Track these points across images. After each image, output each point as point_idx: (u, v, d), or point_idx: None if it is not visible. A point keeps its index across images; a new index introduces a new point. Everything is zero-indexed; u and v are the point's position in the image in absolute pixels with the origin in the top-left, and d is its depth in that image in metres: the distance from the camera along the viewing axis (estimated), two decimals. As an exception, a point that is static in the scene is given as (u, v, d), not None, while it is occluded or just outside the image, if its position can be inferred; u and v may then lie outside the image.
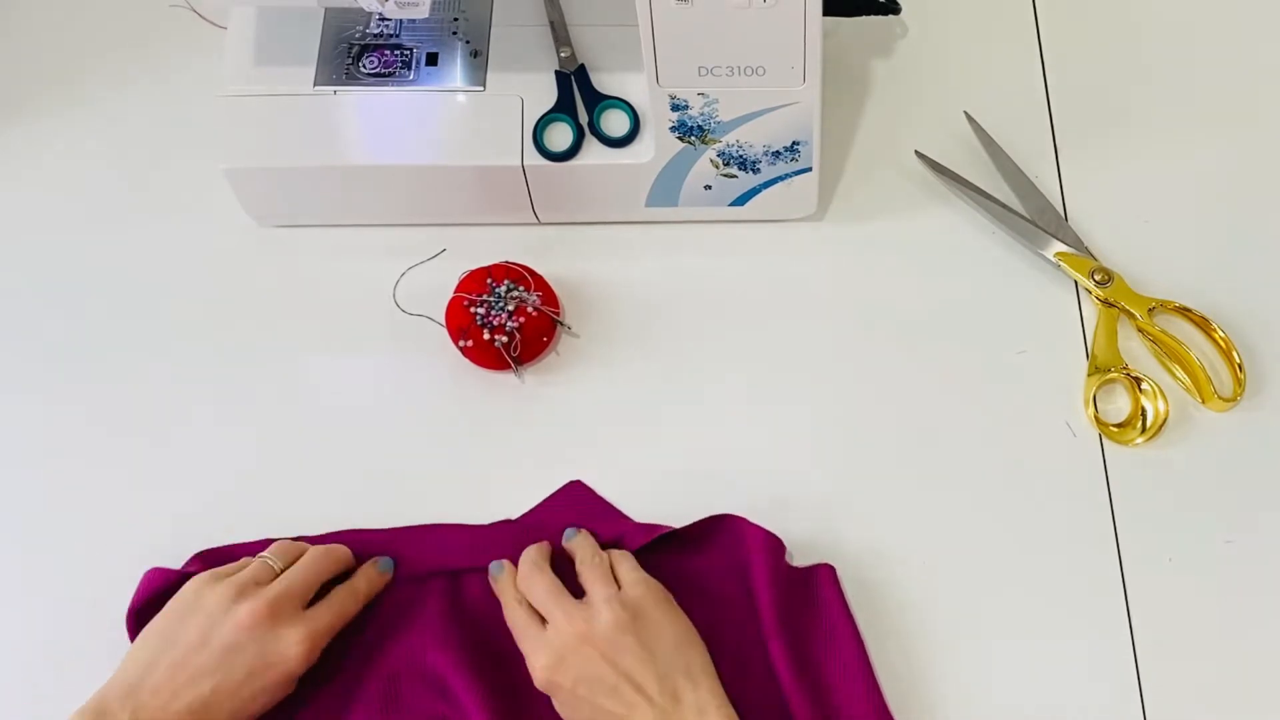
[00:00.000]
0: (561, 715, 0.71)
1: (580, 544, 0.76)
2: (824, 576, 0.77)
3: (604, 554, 0.75)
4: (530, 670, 0.71)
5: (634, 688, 0.68)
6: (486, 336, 0.81)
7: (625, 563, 0.74)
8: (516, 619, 0.73)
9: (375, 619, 0.76)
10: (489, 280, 0.82)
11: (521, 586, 0.74)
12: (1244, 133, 0.90)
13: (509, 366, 0.83)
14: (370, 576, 0.76)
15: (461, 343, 0.82)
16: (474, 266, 0.83)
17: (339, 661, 0.74)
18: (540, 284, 0.83)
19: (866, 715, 0.73)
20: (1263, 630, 0.76)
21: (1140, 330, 0.84)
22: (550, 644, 0.71)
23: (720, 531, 0.78)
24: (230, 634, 0.70)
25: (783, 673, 0.73)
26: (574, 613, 0.71)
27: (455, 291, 0.83)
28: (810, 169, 0.84)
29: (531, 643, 0.71)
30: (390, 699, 0.74)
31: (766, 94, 0.79)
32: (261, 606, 0.70)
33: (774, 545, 0.76)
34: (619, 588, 0.72)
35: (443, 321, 0.84)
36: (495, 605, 0.75)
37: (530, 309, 0.82)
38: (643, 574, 0.73)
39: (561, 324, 0.85)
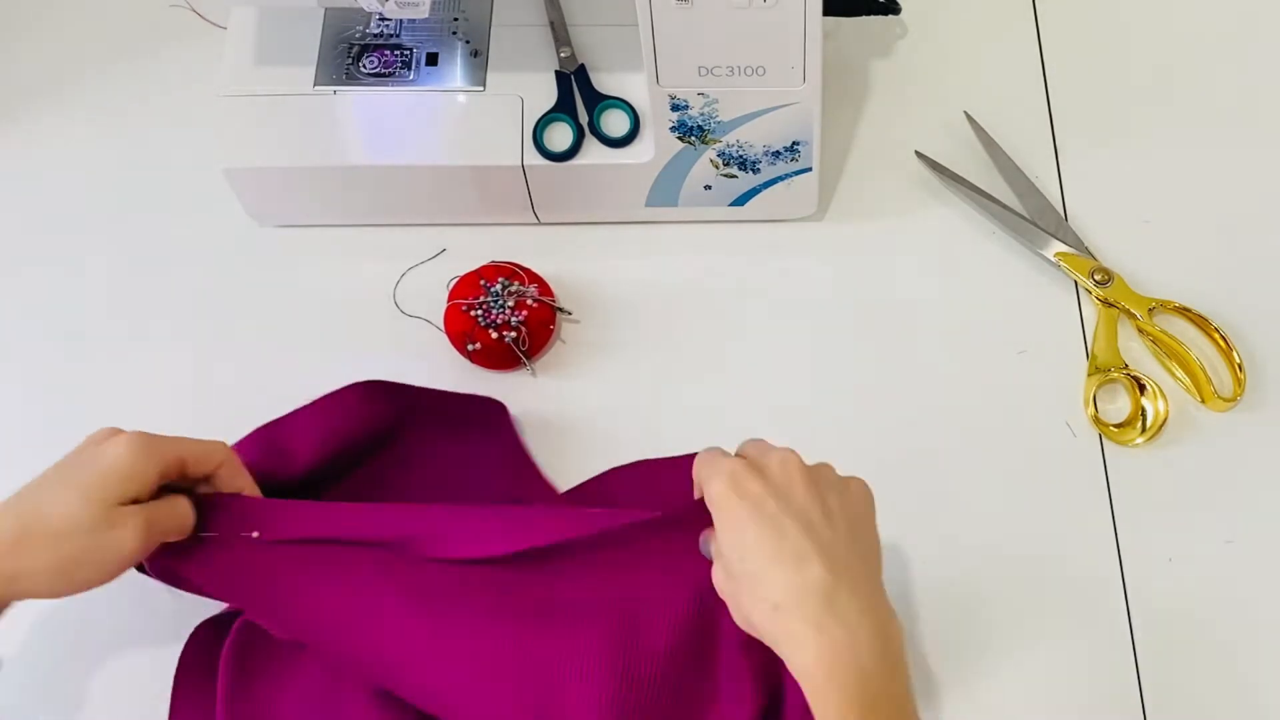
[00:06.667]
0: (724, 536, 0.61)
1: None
2: None
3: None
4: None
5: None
6: (495, 336, 0.81)
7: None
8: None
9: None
10: (482, 282, 0.82)
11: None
12: (1244, 133, 0.90)
13: (517, 364, 0.83)
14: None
15: (469, 347, 0.82)
16: (461, 273, 0.83)
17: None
18: (532, 276, 0.84)
19: None
20: (1263, 630, 0.76)
21: (1140, 330, 0.84)
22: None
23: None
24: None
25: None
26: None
27: (449, 300, 0.83)
28: (810, 169, 0.84)
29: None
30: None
31: (766, 94, 0.79)
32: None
33: None
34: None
35: (441, 326, 0.84)
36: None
37: (530, 301, 0.82)
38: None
39: (561, 310, 0.85)
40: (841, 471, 0.64)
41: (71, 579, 0.63)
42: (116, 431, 0.67)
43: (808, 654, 0.57)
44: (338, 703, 0.72)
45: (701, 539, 0.65)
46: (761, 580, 0.59)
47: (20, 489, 0.65)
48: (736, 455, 0.64)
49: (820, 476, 0.62)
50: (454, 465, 0.79)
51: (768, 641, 0.59)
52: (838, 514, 0.60)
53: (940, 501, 0.80)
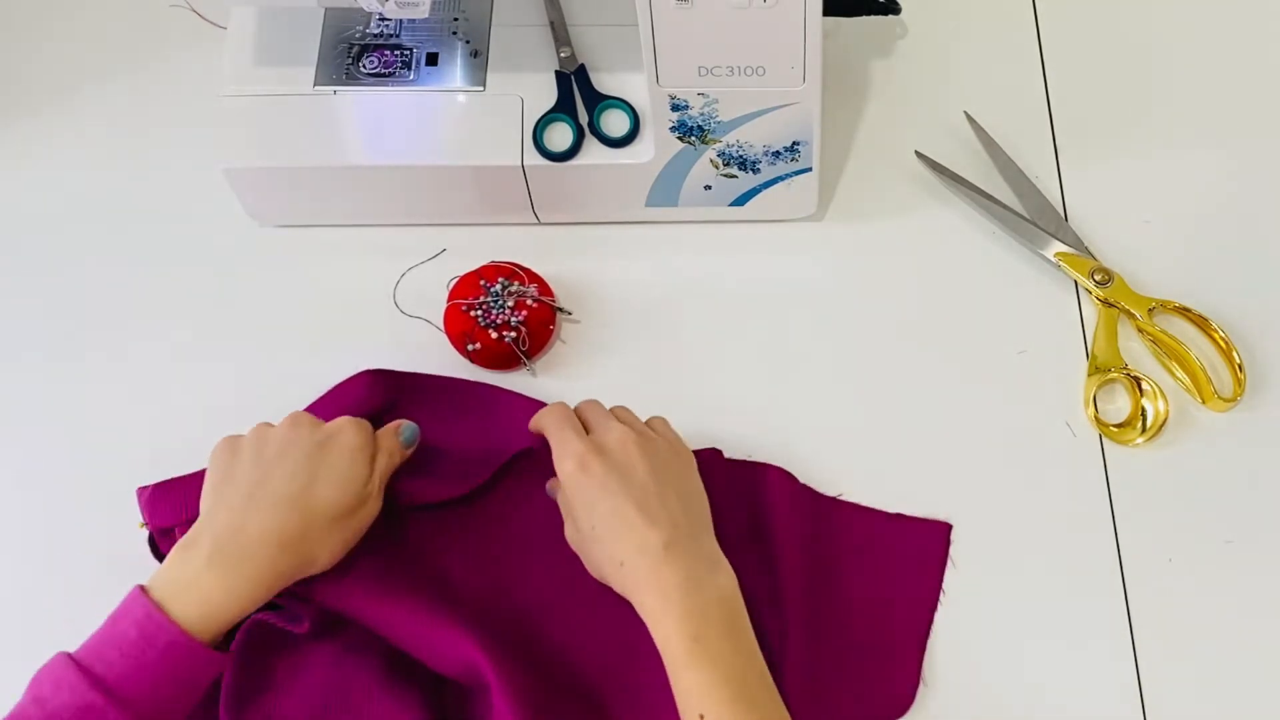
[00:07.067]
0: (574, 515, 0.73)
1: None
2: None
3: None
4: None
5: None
6: (495, 336, 0.81)
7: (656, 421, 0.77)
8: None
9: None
10: (482, 282, 0.82)
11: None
12: (1244, 133, 0.90)
13: (517, 364, 0.83)
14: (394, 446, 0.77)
15: (470, 347, 0.82)
16: (461, 273, 0.84)
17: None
18: (532, 276, 0.84)
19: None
20: (1263, 630, 0.76)
21: (1140, 330, 0.84)
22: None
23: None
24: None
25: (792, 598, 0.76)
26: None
27: (449, 300, 0.83)
28: (810, 169, 0.84)
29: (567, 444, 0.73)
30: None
31: (766, 94, 0.79)
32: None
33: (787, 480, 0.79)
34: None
35: (441, 326, 0.84)
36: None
37: (530, 301, 0.82)
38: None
39: (561, 310, 0.85)
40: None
41: (345, 551, 0.74)
42: (317, 422, 0.75)
43: (648, 597, 0.69)
44: (342, 704, 0.74)
45: (548, 486, 0.77)
46: (610, 543, 0.71)
47: (272, 489, 0.71)
48: (577, 411, 0.76)
49: (652, 451, 0.73)
50: (445, 435, 0.82)
51: (616, 589, 0.72)
52: (669, 483, 0.72)
53: (939, 501, 0.80)
